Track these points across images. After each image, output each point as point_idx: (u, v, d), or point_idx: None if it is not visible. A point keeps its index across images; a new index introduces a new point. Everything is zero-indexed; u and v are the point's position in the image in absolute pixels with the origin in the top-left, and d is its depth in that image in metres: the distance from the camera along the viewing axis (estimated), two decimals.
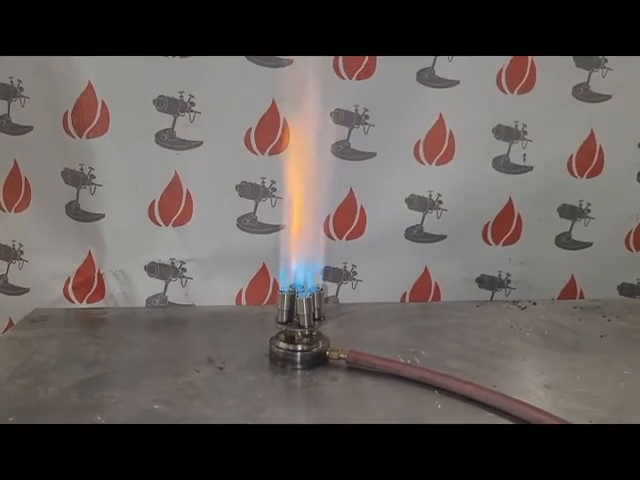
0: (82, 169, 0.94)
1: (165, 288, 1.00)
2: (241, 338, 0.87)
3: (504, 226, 1.03)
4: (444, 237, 1.02)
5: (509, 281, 1.06)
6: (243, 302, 1.02)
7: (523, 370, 0.79)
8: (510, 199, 1.02)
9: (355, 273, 1.03)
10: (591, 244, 1.06)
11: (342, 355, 0.78)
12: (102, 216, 0.96)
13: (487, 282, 1.06)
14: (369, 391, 0.74)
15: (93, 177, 0.94)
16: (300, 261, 0.82)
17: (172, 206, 0.97)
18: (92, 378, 0.74)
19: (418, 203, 1.01)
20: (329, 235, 1.00)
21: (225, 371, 0.77)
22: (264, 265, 1.01)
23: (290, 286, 0.80)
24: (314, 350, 0.78)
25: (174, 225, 0.98)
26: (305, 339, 0.78)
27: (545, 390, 0.73)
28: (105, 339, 0.86)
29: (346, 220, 1.00)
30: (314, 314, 0.79)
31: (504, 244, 1.04)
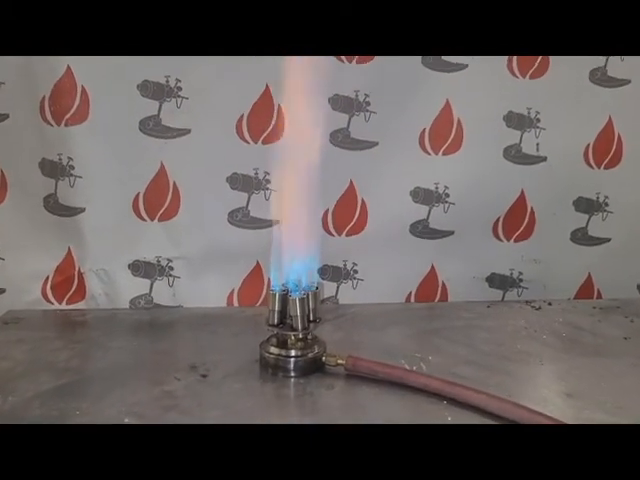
0: (61, 159, 0.85)
1: (150, 288, 0.91)
2: (229, 342, 0.78)
3: (516, 221, 0.94)
4: (452, 233, 0.93)
5: (521, 280, 0.96)
6: (235, 303, 0.93)
7: (540, 377, 0.70)
8: (522, 192, 0.93)
9: (356, 272, 0.94)
10: (609, 240, 0.96)
11: (340, 361, 0.68)
12: (82, 210, 0.87)
13: (498, 281, 0.96)
14: (370, 401, 0.64)
15: (72, 168, 0.85)
16: (294, 257, 0.72)
17: (158, 200, 0.88)
18: (59, 387, 0.65)
19: (424, 196, 0.92)
20: (328, 231, 0.92)
21: (209, 379, 0.67)
22: (257, 263, 0.92)
23: (282, 285, 0.71)
24: (309, 355, 0.69)
25: (160, 220, 0.89)
26: (299, 343, 0.69)
27: (566, 399, 0.64)
28: (81, 343, 0.77)
29: (346, 215, 0.92)
30: (309, 315, 0.69)
31: (516, 240, 0.95)
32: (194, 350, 0.75)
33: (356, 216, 0.91)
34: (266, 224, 0.89)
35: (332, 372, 0.69)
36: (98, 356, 0.73)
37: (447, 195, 0.92)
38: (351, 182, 0.90)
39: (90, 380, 0.67)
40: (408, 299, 0.95)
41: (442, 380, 0.64)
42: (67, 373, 0.68)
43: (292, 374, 0.68)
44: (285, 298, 0.69)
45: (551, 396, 0.64)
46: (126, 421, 0.58)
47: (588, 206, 0.95)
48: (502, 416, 0.60)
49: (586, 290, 0.97)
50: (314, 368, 0.69)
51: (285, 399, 0.65)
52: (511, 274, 0.96)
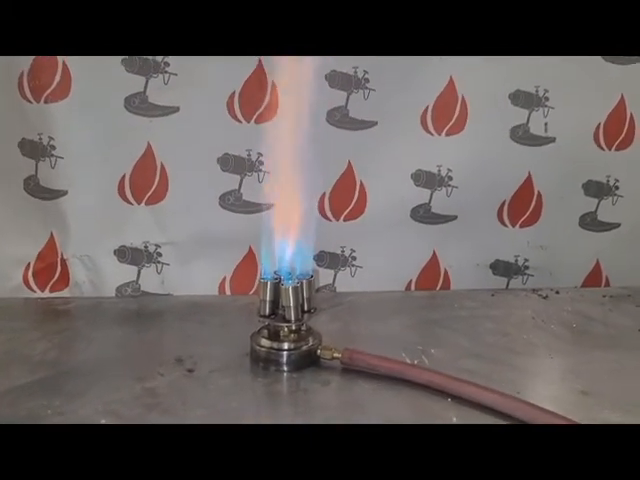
0: (41, 139, 0.79)
1: (138, 275, 0.85)
2: (219, 333, 0.72)
3: (522, 205, 0.89)
4: (454, 218, 0.88)
5: (527, 267, 0.91)
6: (227, 291, 0.87)
7: (551, 371, 0.65)
8: (529, 174, 0.87)
9: (354, 258, 0.89)
10: (619, 225, 0.91)
11: (336, 354, 0.63)
12: (65, 193, 0.81)
13: (502, 268, 0.91)
14: (368, 398, 0.59)
15: (54, 148, 0.80)
16: (287, 243, 0.67)
17: (145, 182, 0.82)
18: (33, 383, 0.60)
19: (425, 179, 0.86)
20: (324, 215, 0.86)
21: (195, 374, 0.62)
22: (250, 249, 0.86)
23: (274, 273, 0.65)
24: (302, 348, 0.64)
25: (147, 203, 0.83)
26: (292, 335, 0.64)
27: (581, 397, 0.59)
28: (61, 334, 0.71)
29: (344, 198, 0.86)
30: (303, 305, 0.64)
31: (522, 225, 0.89)
32: (181, 342, 0.70)
33: (354, 200, 0.86)
34: (259, 208, 0.84)
35: (328, 366, 0.64)
36: (78, 348, 0.68)
37: (450, 178, 0.86)
38: (349, 164, 0.85)
39: (67, 375, 0.62)
40: (408, 287, 0.90)
41: (446, 376, 0.59)
42: (42, 367, 0.63)
43: (285, 368, 0.63)
44: (277, 287, 0.64)
45: (564, 394, 0.59)
46: (102, 422, 0.53)
47: (598, 190, 0.89)
48: (513, 416, 0.54)
49: (594, 278, 0.92)
50: (308, 362, 0.64)
51: (277, 396, 0.60)
52: (516, 261, 0.91)
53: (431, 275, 0.90)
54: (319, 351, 0.64)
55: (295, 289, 0.63)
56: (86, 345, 0.69)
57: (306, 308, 0.65)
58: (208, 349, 0.67)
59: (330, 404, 0.58)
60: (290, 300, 0.63)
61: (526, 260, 0.91)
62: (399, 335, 0.72)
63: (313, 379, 0.61)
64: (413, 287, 0.90)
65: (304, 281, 0.65)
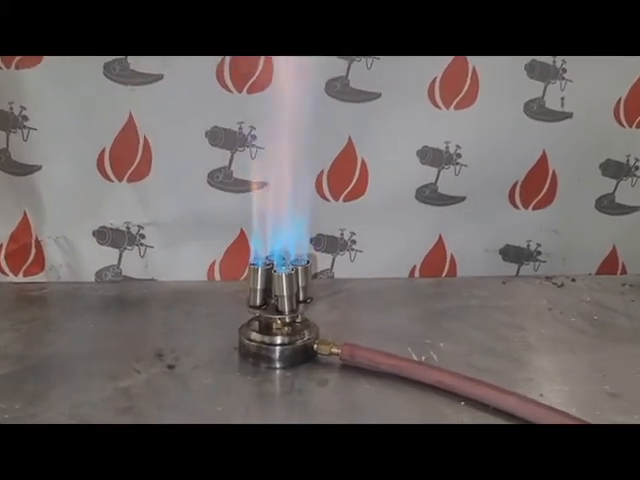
0: (12, 108, 0.72)
1: (119, 259, 0.78)
2: (205, 324, 0.65)
3: (535, 186, 0.81)
4: (463, 199, 0.80)
5: (539, 253, 0.83)
6: (217, 277, 0.80)
7: (575, 370, 0.57)
8: (544, 153, 0.80)
9: (354, 242, 0.81)
10: (638, 208, 0.83)
11: (335, 350, 0.56)
12: (38, 168, 0.74)
13: (513, 254, 0.83)
14: (370, 400, 0.52)
15: (26, 119, 0.72)
16: (281, 225, 0.59)
17: (126, 157, 0.75)
18: None
19: (432, 156, 0.78)
20: (322, 195, 0.79)
21: (176, 371, 0.54)
22: (242, 232, 0.79)
23: (266, 258, 0.57)
24: (297, 343, 0.56)
25: (129, 180, 0.75)
26: (285, 328, 0.56)
27: (611, 400, 0.52)
28: (30, 324, 0.64)
29: (344, 177, 0.78)
30: (297, 295, 0.56)
31: (534, 208, 0.82)
32: (163, 333, 0.62)
33: (355, 179, 0.79)
34: (251, 187, 0.76)
35: (325, 363, 0.56)
36: (48, 340, 0.60)
37: (459, 156, 0.79)
38: (350, 139, 0.77)
39: (31, 372, 0.54)
40: (412, 274, 0.82)
41: (459, 375, 0.52)
42: (4, 362, 0.55)
43: (277, 365, 0.56)
44: (269, 274, 0.56)
45: (592, 397, 0.52)
46: None
47: (617, 170, 0.81)
48: (537, 424, 0.47)
49: (610, 264, 0.85)
50: (304, 358, 0.57)
51: (268, 398, 0.52)
52: (528, 246, 0.83)
53: (437, 261, 0.83)
54: (316, 346, 0.57)
55: (289, 277, 0.55)
56: (57, 336, 0.61)
57: (301, 298, 0.58)
58: (192, 342, 0.60)
59: (328, 407, 0.51)
60: (283, 289, 0.55)
61: (538, 245, 0.83)
62: (404, 327, 0.65)
63: (309, 378, 0.54)
64: (417, 274, 0.82)
65: (299, 268, 0.57)
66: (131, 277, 0.78)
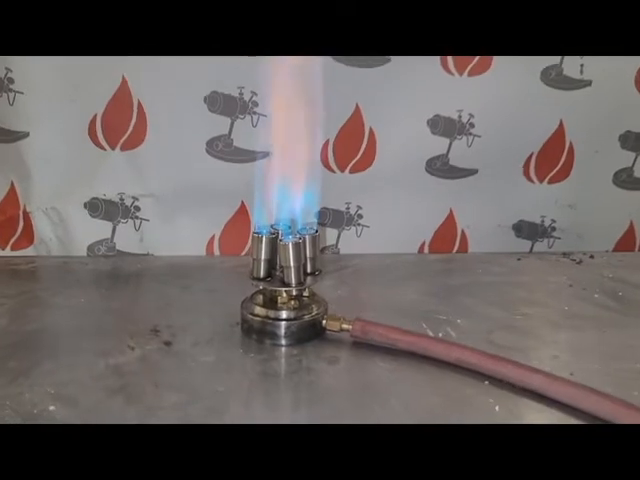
0: None
1: (113, 232, 0.73)
2: (205, 300, 0.60)
3: (552, 158, 0.76)
4: (475, 172, 0.75)
5: (554, 229, 0.78)
6: (216, 252, 0.74)
7: (605, 347, 0.52)
8: (561, 123, 0.74)
9: (360, 216, 0.76)
10: None
11: (345, 326, 0.51)
12: (26, 135, 0.68)
13: (526, 230, 0.78)
14: (385, 380, 0.47)
15: (11, 81, 0.66)
16: (286, 194, 0.54)
17: (120, 123, 0.69)
18: None
19: (444, 126, 0.73)
20: (328, 166, 0.73)
21: (173, 348, 0.49)
22: (243, 204, 0.73)
23: (271, 226, 0.52)
24: (305, 318, 0.51)
25: (123, 149, 0.70)
26: (292, 302, 0.51)
27: None
28: (16, 299, 0.58)
29: (350, 147, 0.73)
30: (305, 266, 0.51)
31: (550, 182, 0.77)
32: (159, 309, 0.57)
33: (362, 149, 0.73)
34: (253, 156, 0.71)
35: (335, 340, 0.51)
36: (34, 315, 0.55)
37: (472, 125, 0.73)
38: (357, 107, 0.72)
39: (15, 348, 0.49)
40: (421, 249, 0.77)
41: (481, 353, 0.47)
42: None
43: (283, 342, 0.51)
44: (274, 243, 0.51)
45: (626, 375, 0.47)
46: (51, 409, 0.40)
47: (637, 142, 0.76)
48: (570, 405, 0.42)
49: (626, 241, 0.80)
50: (312, 335, 0.51)
51: (273, 378, 0.47)
52: (542, 222, 0.78)
53: (447, 236, 0.77)
54: (325, 321, 0.51)
55: (296, 246, 0.50)
56: (44, 312, 0.56)
57: (309, 270, 0.52)
58: (191, 318, 0.54)
59: (339, 387, 0.46)
60: (290, 259, 0.50)
61: (553, 221, 0.78)
62: (417, 303, 0.60)
63: (318, 356, 0.49)
64: (426, 249, 0.77)
65: (307, 237, 0.52)
66: (125, 252, 0.73)
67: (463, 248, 0.78)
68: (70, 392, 0.42)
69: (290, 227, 0.53)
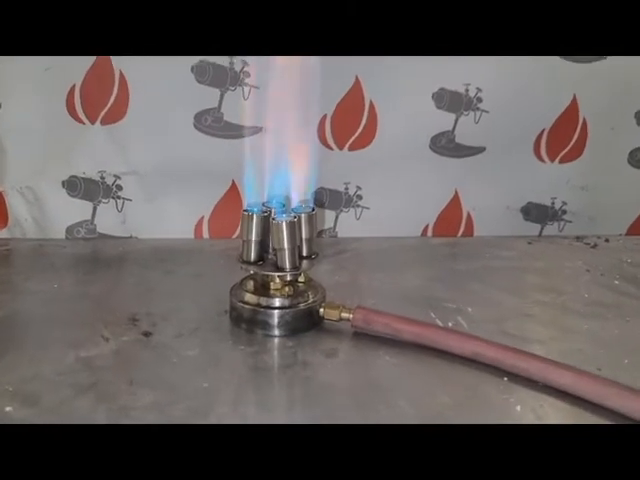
0: None
1: (93, 213, 0.67)
2: (190, 285, 0.54)
3: (564, 136, 0.70)
4: (482, 150, 0.70)
5: (564, 211, 0.73)
6: (205, 235, 0.69)
7: (632, 339, 0.47)
8: (574, 98, 0.69)
9: (360, 197, 0.70)
10: None
11: (345, 314, 0.45)
12: None
13: (535, 212, 0.73)
14: (390, 376, 0.41)
15: None
16: (281, 170, 0.49)
17: (100, 94, 0.63)
18: None
19: (449, 100, 0.67)
20: (325, 143, 0.67)
21: (154, 339, 0.44)
22: (234, 184, 0.68)
23: (263, 204, 0.46)
24: (300, 306, 0.45)
25: (104, 123, 0.64)
26: (286, 289, 0.45)
27: None
28: None
29: (349, 122, 0.67)
30: (300, 248, 0.45)
31: (562, 161, 0.71)
32: (140, 296, 0.51)
33: (362, 125, 0.67)
34: (244, 132, 0.65)
35: (334, 330, 0.46)
36: (3, 303, 0.49)
37: (479, 100, 0.68)
38: (357, 79, 0.66)
39: None
40: (424, 233, 0.72)
41: (500, 346, 0.41)
42: None
43: (276, 333, 0.45)
44: (267, 223, 0.45)
45: None
46: (7, 410, 0.34)
47: None
48: (602, 405, 0.36)
49: (639, 225, 0.74)
50: (308, 324, 0.46)
51: (265, 373, 0.41)
52: (552, 204, 0.73)
53: (451, 219, 0.72)
54: (322, 310, 0.46)
55: (291, 225, 0.44)
56: (12, 298, 0.50)
57: (304, 253, 0.47)
58: (173, 305, 0.49)
59: (338, 383, 0.40)
60: (284, 241, 0.44)
61: (564, 203, 0.73)
62: (422, 289, 0.54)
63: (314, 348, 0.43)
64: (430, 233, 0.72)
65: (302, 215, 0.46)
66: (106, 234, 0.67)
67: (468, 231, 0.72)
68: (32, 389, 0.37)
69: (284, 205, 0.47)
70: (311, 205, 0.47)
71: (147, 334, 0.44)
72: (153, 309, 0.48)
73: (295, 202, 0.47)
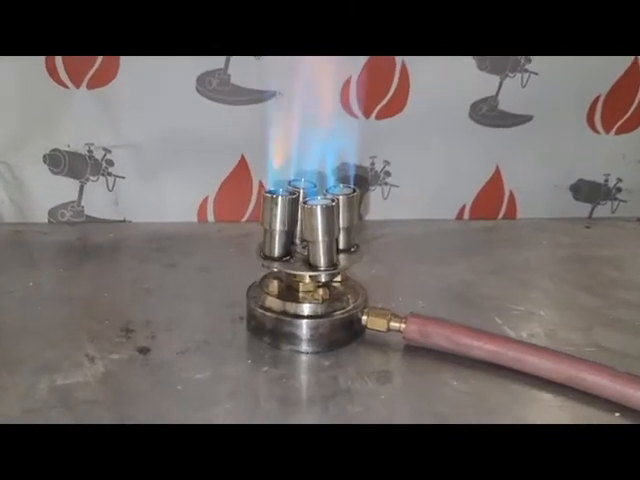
0: None
1: (80, 193, 0.57)
2: (197, 283, 0.43)
3: (622, 104, 0.61)
4: (529, 119, 0.60)
5: (619, 190, 0.64)
6: (210, 218, 0.59)
7: None
8: (635, 60, 0.59)
9: (388, 174, 0.61)
10: None
11: (395, 324, 0.35)
12: None
13: (586, 191, 0.63)
14: (463, 409, 0.30)
15: None
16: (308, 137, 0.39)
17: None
18: None
19: (492, 61, 0.58)
20: (349, 111, 0.58)
21: (152, 357, 0.33)
22: (243, 158, 0.58)
23: (289, 183, 0.36)
24: (336, 315, 0.34)
25: (90, 87, 0.55)
26: (320, 292, 0.34)
27: None
28: None
29: (378, 86, 0.58)
30: (337, 241, 0.34)
31: (618, 132, 0.62)
32: (135, 298, 0.41)
33: (392, 89, 0.58)
34: (256, 97, 0.55)
35: (379, 343, 0.35)
36: None
37: (529, 60, 0.58)
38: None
39: None
40: (460, 215, 0.63)
41: (612, 371, 0.30)
42: None
43: (307, 348, 0.34)
44: (294, 207, 0.34)
45: None
46: None
47: None
48: None
49: None
50: (348, 337, 0.35)
51: (294, 407, 0.30)
52: (606, 181, 0.63)
53: (491, 199, 0.63)
54: (365, 318, 0.35)
55: (327, 211, 0.33)
56: None
57: (341, 246, 0.36)
58: (177, 310, 0.38)
59: (401, 421, 0.29)
60: (319, 231, 0.33)
61: (619, 180, 0.64)
62: (475, 286, 0.44)
63: (360, 369, 0.33)
64: (466, 215, 0.63)
65: (340, 198, 0.35)
66: (96, 217, 0.58)
67: (511, 213, 0.63)
68: None
69: (316, 185, 0.36)
70: (351, 185, 0.36)
71: (144, 350, 0.34)
72: (151, 315, 0.37)
73: (332, 180, 0.37)
